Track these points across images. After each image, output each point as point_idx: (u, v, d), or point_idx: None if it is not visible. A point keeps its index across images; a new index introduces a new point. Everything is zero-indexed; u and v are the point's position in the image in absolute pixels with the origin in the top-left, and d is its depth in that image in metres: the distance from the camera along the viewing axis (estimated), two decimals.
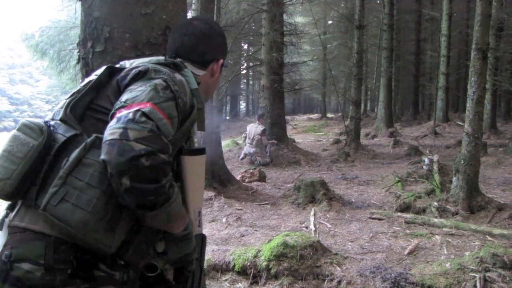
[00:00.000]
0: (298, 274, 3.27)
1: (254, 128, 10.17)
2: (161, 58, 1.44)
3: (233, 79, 13.18)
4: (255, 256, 3.44)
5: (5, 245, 1.20)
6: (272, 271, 3.30)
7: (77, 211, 1.14)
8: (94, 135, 1.22)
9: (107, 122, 1.22)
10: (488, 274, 3.01)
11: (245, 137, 10.41)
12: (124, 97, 1.24)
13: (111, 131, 1.12)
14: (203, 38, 1.56)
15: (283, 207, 5.73)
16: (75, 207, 1.14)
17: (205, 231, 3.56)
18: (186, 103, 1.33)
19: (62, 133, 1.26)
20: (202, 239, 1.54)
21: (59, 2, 16.15)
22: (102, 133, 1.19)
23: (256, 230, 4.58)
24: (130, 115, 1.14)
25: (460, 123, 15.74)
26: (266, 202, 6.04)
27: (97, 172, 1.17)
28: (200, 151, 1.43)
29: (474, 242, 4.07)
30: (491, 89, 13.35)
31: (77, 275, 1.19)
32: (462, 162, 5.14)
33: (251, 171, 8.14)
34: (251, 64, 23.20)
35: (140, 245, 1.26)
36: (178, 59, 1.47)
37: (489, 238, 4.17)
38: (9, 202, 1.30)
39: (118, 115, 1.17)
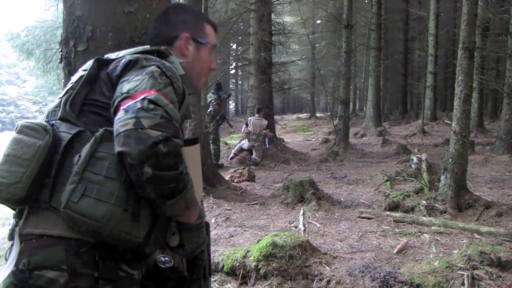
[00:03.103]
0: (287, 274, 3.25)
1: (258, 122, 10.18)
2: (147, 46, 1.44)
3: (222, 79, 13.13)
4: (244, 257, 3.41)
5: (20, 254, 1.15)
6: (261, 271, 3.27)
7: (100, 204, 1.11)
8: (103, 129, 1.19)
9: (103, 116, 1.23)
10: (476, 272, 3.02)
11: (248, 133, 10.22)
12: (125, 88, 1.22)
13: (123, 122, 1.11)
14: (162, 19, 1.56)
15: (272, 207, 5.71)
16: (98, 201, 1.12)
17: None
18: (180, 87, 1.34)
19: (66, 131, 1.23)
20: (206, 227, 1.55)
21: (44, 1, 15.98)
22: (101, 126, 1.20)
23: (245, 230, 4.56)
24: (138, 104, 1.13)
25: (448, 121, 15.88)
26: (255, 202, 6.01)
27: (113, 164, 1.15)
28: (194, 141, 1.43)
29: (462, 240, 4.09)
30: (478, 88, 13.47)
31: (102, 277, 1.16)
32: (450, 161, 5.17)
33: (240, 171, 8.11)
34: (239, 63, 23.16)
35: (158, 236, 1.25)
36: (162, 47, 1.45)
37: (477, 236, 4.19)
38: (15, 211, 1.25)
39: (124, 106, 1.15)
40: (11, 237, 1.23)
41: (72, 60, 1.75)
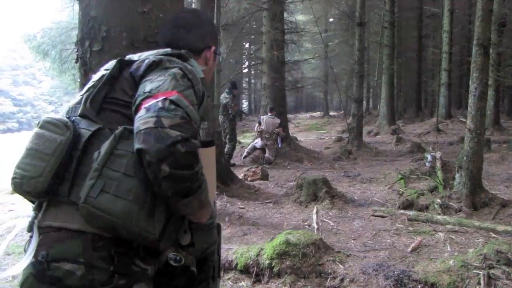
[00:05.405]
0: (300, 272, 3.25)
1: (271, 121, 10.16)
2: (168, 49, 1.47)
3: (235, 77, 13.15)
4: (258, 255, 3.43)
5: (39, 245, 1.19)
6: (275, 269, 3.29)
7: (118, 201, 1.15)
8: (122, 127, 1.22)
9: (123, 114, 1.28)
10: (492, 271, 2.99)
11: (261, 131, 10.21)
12: (147, 87, 1.25)
13: (144, 120, 1.14)
14: (191, 28, 1.60)
15: (285, 206, 5.71)
16: (116, 197, 1.15)
17: None
18: (200, 90, 1.37)
19: (86, 127, 1.27)
20: (218, 228, 1.57)
21: (60, 2, 16.17)
22: (120, 124, 1.23)
23: (258, 229, 4.57)
24: (160, 104, 1.16)
25: (463, 119, 15.67)
26: (268, 201, 6.02)
27: (131, 162, 1.18)
28: (210, 143, 1.46)
29: (478, 239, 4.05)
30: (494, 85, 13.27)
31: (117, 271, 1.19)
32: (465, 159, 5.11)
33: (253, 169, 8.12)
34: (252, 62, 23.17)
35: (171, 233, 1.27)
36: (182, 50, 1.49)
37: (493, 235, 4.15)
38: (34, 204, 1.29)
39: (145, 105, 1.18)
40: (30, 228, 1.26)
41: (88, 60, 1.79)
